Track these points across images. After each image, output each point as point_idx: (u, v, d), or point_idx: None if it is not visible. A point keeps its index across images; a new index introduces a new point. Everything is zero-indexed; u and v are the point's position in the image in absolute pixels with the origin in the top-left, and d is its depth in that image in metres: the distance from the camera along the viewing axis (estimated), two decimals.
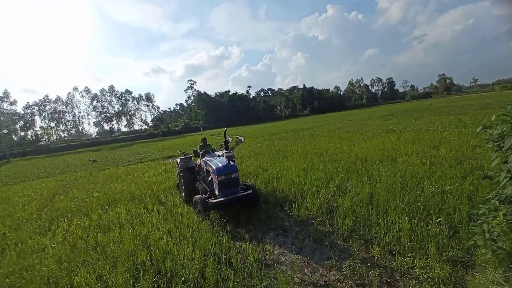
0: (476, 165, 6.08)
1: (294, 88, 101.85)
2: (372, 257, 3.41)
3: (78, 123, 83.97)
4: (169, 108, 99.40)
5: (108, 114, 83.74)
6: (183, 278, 3.27)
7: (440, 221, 3.73)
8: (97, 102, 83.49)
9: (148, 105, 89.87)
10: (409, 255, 3.28)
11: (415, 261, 3.13)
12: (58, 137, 75.95)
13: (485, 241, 2.50)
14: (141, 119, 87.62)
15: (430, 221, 3.82)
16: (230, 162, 5.53)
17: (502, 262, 2.37)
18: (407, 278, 2.92)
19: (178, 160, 7.10)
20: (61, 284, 3.57)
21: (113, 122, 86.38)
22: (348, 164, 7.92)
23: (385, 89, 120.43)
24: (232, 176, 5.36)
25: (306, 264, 3.51)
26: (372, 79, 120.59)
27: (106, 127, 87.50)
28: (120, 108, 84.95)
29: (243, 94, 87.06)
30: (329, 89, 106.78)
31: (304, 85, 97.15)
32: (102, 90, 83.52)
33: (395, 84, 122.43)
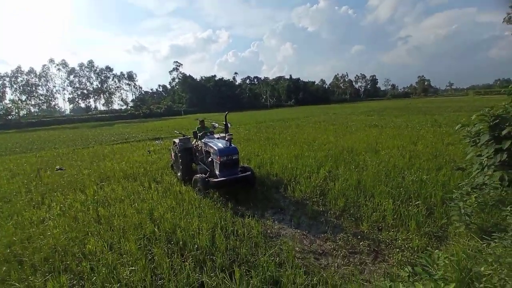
0: (449, 160, 6.83)
1: (280, 78, 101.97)
2: (361, 231, 3.92)
3: (51, 98, 78.86)
4: (151, 89, 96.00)
5: (85, 91, 79.16)
6: (196, 246, 3.58)
7: (418, 203, 4.32)
8: (74, 77, 78.42)
9: (129, 84, 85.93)
10: (392, 230, 3.83)
11: (397, 235, 3.68)
12: (27, 112, 71.04)
13: (460, 216, 3.06)
14: (122, 99, 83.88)
15: (410, 203, 4.40)
16: (231, 144, 5.80)
17: (474, 234, 2.92)
18: (391, 247, 3.45)
19: (176, 140, 7.24)
20: (71, 252, 3.74)
21: (89, 100, 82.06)
22: (336, 154, 8.47)
23: (368, 86, 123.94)
24: (233, 157, 5.66)
25: (305, 236, 3.96)
26: (356, 75, 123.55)
27: (82, 104, 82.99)
28: (99, 85, 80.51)
29: (229, 80, 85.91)
30: (314, 82, 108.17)
31: (290, 75, 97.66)
32: (81, 65, 78.42)
33: (377, 82, 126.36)
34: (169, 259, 3.34)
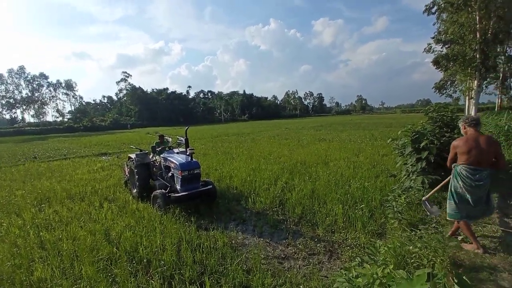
0: (384, 169, 7.95)
1: (234, 93, 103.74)
2: (318, 235, 4.35)
3: None
4: (94, 100, 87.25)
5: (12, 100, 68.15)
6: (162, 262, 3.54)
7: (362, 207, 4.98)
8: (1, 84, 67.09)
9: (68, 94, 76.90)
10: (343, 231, 4.35)
11: (347, 235, 4.20)
12: None
13: (394, 214, 3.70)
14: (57, 110, 74.37)
15: (356, 207, 5.05)
16: (193, 159, 5.85)
17: (405, 227, 3.56)
18: (343, 246, 3.93)
19: (132, 155, 6.94)
20: (18, 281, 3.33)
21: (15, 110, 70.93)
22: (291, 166, 9.09)
23: (316, 102, 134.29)
24: (195, 171, 5.71)
25: (268, 244, 4.22)
26: (305, 92, 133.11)
27: (7, 115, 71.30)
28: (30, 94, 70.18)
29: (182, 93, 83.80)
30: (267, 98, 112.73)
31: (244, 91, 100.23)
32: (10, 70, 67.54)
33: (324, 99, 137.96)
34: (134, 279, 3.24)
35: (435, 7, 19.51)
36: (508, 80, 24.93)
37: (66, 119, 66.17)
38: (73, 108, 74.35)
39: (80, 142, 25.25)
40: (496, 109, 22.32)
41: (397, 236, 3.20)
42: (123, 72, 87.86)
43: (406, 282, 1.64)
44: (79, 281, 3.31)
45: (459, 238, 3.00)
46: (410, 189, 4.50)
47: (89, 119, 59.51)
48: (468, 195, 2.74)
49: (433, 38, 20.80)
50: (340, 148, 12.92)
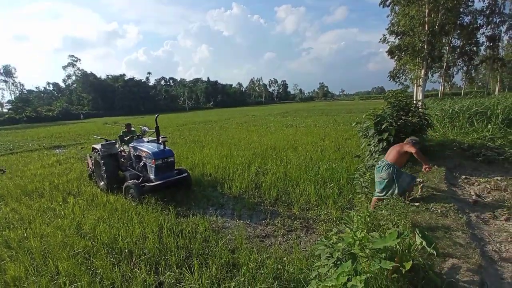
0: (348, 151, 8.61)
1: (197, 80, 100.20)
2: (293, 213, 4.67)
3: None
4: (37, 87, 77.42)
5: None
6: (145, 250, 3.52)
7: (332, 186, 5.42)
8: None
9: (6, 81, 66.94)
10: (316, 208, 4.73)
11: (320, 212, 4.59)
12: None
13: (361, 188, 4.14)
14: None
15: (327, 187, 5.47)
16: (166, 147, 5.73)
17: (370, 201, 4.02)
18: (317, 222, 4.30)
19: (97, 146, 6.52)
20: None
21: None
22: (262, 152, 9.33)
23: (280, 90, 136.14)
24: (169, 160, 5.62)
25: (248, 225, 4.42)
26: (270, 79, 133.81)
27: None
28: None
29: (141, 80, 78.37)
30: (232, 85, 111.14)
31: (208, 78, 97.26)
32: None
33: (288, 86, 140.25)
34: (117, 269, 3.20)
35: (389, 0, 20.87)
36: (451, 69, 28.02)
37: (6, 110, 58.03)
38: (13, 97, 65.20)
39: (26, 135, 22.58)
40: (439, 96, 25.04)
41: (366, 207, 3.62)
42: (70, 55, 79.04)
43: (380, 239, 1.94)
44: (56, 277, 3.17)
45: (416, 204, 3.50)
46: (373, 167, 5.02)
47: (33, 109, 52.92)
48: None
49: (387, 29, 22.32)
50: (307, 133, 13.52)
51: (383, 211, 2.96)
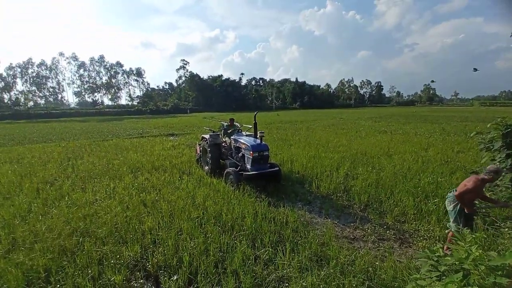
0: (460, 166, 7.33)
1: (286, 80, 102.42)
2: (386, 223, 4.44)
3: (58, 91, 79.90)
4: (157, 86, 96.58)
5: (93, 85, 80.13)
6: (244, 227, 4.13)
7: (436, 201, 4.82)
8: (84, 71, 79.58)
9: (138, 81, 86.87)
10: (414, 222, 4.35)
11: (419, 226, 4.20)
12: (34, 103, 71.97)
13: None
14: (129, 94, 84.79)
15: (429, 201, 4.91)
16: (262, 141, 6.34)
17: (488, 225, 3.45)
18: (414, 237, 3.98)
19: (206, 136, 7.78)
20: (133, 228, 4.28)
21: (96, 94, 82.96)
22: (351, 156, 9.00)
23: (373, 92, 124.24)
24: (264, 153, 6.21)
25: (336, 225, 4.50)
26: (362, 80, 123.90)
27: (88, 98, 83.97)
28: (108, 80, 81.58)
29: (235, 80, 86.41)
30: (320, 86, 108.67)
31: (296, 78, 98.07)
32: (91, 59, 79.60)
33: (383, 88, 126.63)
34: (223, 236, 3.88)
35: None
36: None
37: (136, 103, 74.74)
38: (141, 93, 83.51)
39: (150, 124, 28.53)
40: None
41: (480, 227, 3.14)
42: (181, 60, 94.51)
43: (498, 257, 1.75)
44: (180, 233, 4.11)
45: None
46: (496, 187, 4.20)
47: (154, 103, 66.23)
48: None
49: None
50: (404, 141, 12.12)
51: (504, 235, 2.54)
